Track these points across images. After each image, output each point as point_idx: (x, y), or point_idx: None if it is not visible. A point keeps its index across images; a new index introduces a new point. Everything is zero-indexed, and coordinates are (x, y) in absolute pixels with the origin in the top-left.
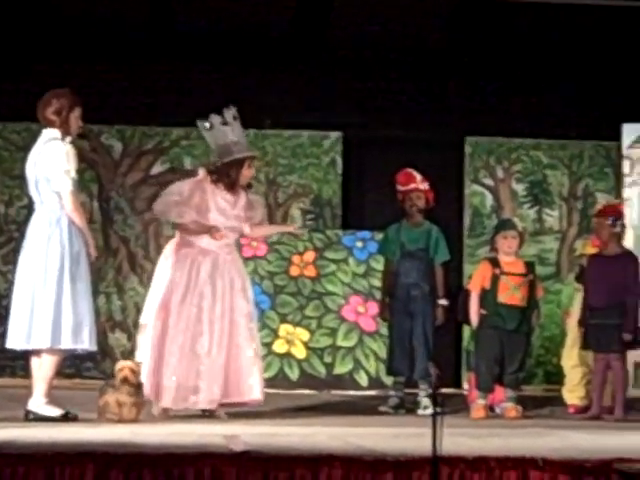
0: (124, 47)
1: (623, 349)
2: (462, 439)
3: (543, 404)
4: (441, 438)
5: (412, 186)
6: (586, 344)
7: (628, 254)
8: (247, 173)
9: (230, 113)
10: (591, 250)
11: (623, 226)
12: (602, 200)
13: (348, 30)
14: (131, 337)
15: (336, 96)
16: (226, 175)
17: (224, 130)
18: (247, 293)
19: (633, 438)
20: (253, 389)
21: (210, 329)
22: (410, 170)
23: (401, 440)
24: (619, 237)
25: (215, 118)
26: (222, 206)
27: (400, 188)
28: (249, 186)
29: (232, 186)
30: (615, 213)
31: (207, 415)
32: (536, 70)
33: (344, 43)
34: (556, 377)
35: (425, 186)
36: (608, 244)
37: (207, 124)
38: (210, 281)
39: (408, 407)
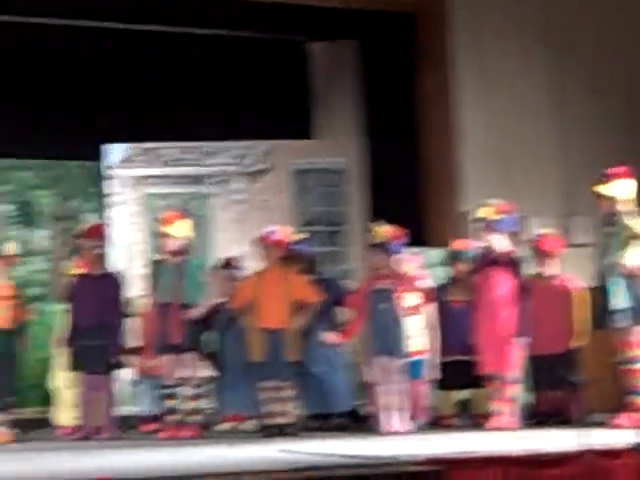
0: None
1: (109, 370)
2: None
3: (38, 427)
4: None
5: None
6: (74, 365)
7: (110, 275)
8: None
9: None
10: (77, 270)
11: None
12: (89, 220)
13: None
14: None
15: None
16: None
17: None
18: None
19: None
20: None
21: None
22: None
23: None
24: (102, 257)
25: None
26: None
27: None
28: None
29: None
30: (97, 234)
31: None
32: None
33: None
34: (50, 399)
35: None
36: (94, 264)
37: None
38: None
39: None
